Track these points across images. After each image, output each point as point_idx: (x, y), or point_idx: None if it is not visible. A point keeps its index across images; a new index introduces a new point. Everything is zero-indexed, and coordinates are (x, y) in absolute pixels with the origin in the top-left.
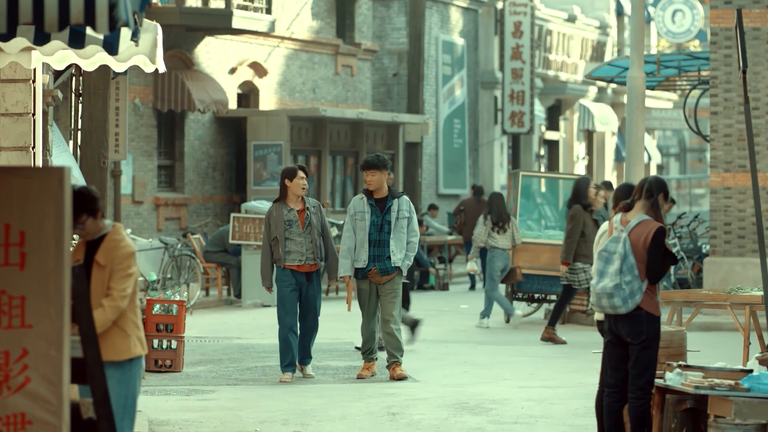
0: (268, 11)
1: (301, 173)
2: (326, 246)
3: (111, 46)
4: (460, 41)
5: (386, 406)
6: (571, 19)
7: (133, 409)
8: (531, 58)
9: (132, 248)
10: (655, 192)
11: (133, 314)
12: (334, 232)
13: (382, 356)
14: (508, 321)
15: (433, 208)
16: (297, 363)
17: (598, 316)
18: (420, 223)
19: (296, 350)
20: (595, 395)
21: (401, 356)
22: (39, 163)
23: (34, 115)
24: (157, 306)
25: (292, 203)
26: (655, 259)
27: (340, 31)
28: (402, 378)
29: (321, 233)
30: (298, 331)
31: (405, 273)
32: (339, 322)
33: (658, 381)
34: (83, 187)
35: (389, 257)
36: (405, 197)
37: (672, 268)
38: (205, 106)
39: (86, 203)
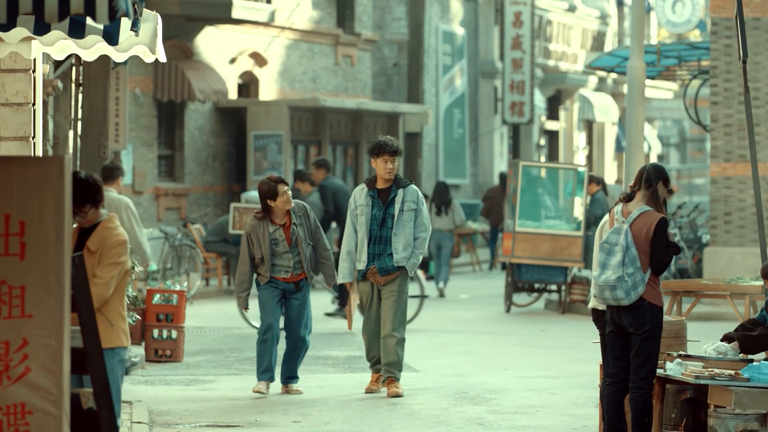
0: (268, 1)
1: (283, 188)
2: (318, 251)
3: (111, 36)
4: (460, 31)
5: (386, 396)
6: (572, 9)
7: (117, 400)
8: (531, 48)
9: (123, 237)
10: (654, 181)
11: (119, 305)
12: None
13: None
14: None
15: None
16: (282, 381)
17: (593, 304)
18: None
19: (275, 355)
20: (599, 386)
21: (399, 372)
22: (39, 153)
23: (34, 105)
24: (158, 296)
25: (278, 219)
26: (659, 250)
27: (340, 21)
28: (397, 396)
29: (311, 242)
30: (279, 334)
31: (411, 273)
32: None
33: (658, 371)
34: (88, 176)
35: (391, 254)
36: (412, 186)
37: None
38: (205, 96)
39: (91, 192)
